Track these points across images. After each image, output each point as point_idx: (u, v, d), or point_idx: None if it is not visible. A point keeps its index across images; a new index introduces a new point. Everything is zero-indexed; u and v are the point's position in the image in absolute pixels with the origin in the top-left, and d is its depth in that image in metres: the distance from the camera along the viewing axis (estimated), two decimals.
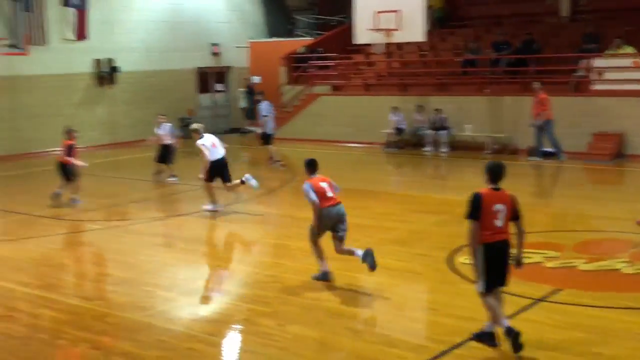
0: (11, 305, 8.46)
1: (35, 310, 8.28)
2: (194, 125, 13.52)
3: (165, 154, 16.60)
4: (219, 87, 27.83)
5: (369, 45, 23.05)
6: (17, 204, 14.41)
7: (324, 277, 8.84)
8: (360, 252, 8.64)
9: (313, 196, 8.53)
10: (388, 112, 21.12)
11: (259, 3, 28.64)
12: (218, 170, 12.98)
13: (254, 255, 10.79)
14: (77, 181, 14.17)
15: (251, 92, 25.39)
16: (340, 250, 8.79)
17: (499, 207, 6.58)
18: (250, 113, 24.97)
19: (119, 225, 12.69)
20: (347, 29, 25.03)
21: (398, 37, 20.66)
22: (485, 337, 6.71)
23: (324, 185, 8.68)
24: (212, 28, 26.90)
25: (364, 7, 20.71)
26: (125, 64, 23.85)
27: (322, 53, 25.34)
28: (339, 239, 8.72)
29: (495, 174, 6.68)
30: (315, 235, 8.78)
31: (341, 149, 21.76)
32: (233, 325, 7.78)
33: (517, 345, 6.47)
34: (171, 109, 24.94)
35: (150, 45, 24.83)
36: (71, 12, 22.52)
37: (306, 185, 8.63)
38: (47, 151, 19.86)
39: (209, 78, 27.47)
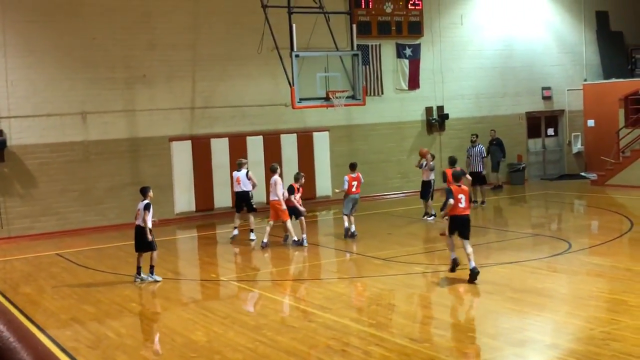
0: (346, 340, 8.90)
1: (366, 347, 8.61)
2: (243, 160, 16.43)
3: (424, 190, 18.15)
4: (549, 131, 27.02)
5: None
6: (352, 245, 15.30)
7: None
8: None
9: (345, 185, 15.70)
10: None
11: (594, 43, 27.35)
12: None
13: (588, 309, 10.08)
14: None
15: (498, 144, 23.43)
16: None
17: (461, 196, 11.58)
18: (497, 165, 23.51)
19: (444, 270, 12.79)
20: None
21: None
22: (454, 264, 12.00)
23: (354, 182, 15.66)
24: (543, 72, 26.29)
25: None
26: (454, 110, 24.30)
27: None
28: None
29: (457, 177, 12.08)
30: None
31: None
32: None
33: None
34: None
35: (479, 92, 25.01)
36: (405, 63, 23.67)
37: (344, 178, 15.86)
38: (378, 195, 20.92)
39: (540, 122, 26.80)
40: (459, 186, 11.79)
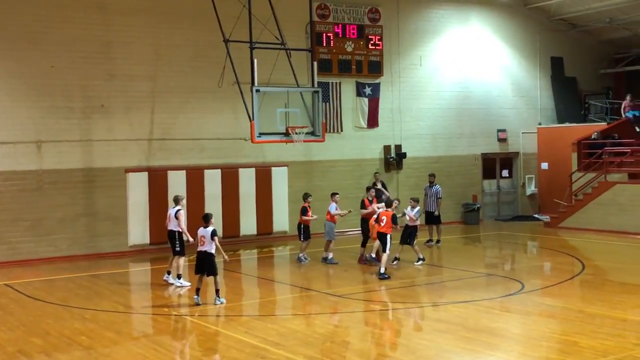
0: None
1: None
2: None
3: (405, 235, 17.29)
4: (504, 173, 27.46)
5: None
6: (308, 281, 15.22)
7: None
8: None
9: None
10: None
11: (549, 88, 28.01)
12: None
13: (540, 349, 10.16)
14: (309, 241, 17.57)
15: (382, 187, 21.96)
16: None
17: (384, 217, 15.36)
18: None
19: (402, 308, 12.79)
20: None
21: None
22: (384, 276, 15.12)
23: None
24: (499, 114, 26.81)
25: None
26: (412, 149, 24.57)
27: (617, 139, 23.91)
28: None
29: (387, 204, 15.98)
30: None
31: (638, 242, 20.08)
32: None
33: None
34: (455, 194, 25.14)
35: (437, 132, 25.36)
36: (364, 101, 23.92)
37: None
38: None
39: (495, 164, 27.22)
40: (386, 210, 15.64)
